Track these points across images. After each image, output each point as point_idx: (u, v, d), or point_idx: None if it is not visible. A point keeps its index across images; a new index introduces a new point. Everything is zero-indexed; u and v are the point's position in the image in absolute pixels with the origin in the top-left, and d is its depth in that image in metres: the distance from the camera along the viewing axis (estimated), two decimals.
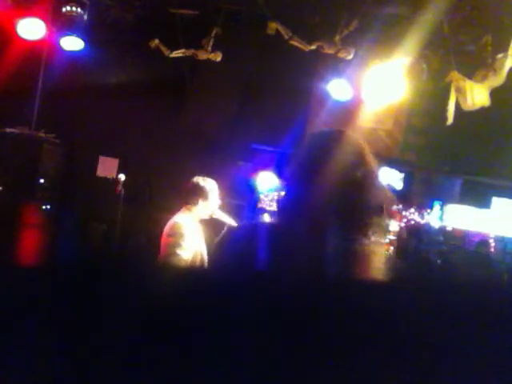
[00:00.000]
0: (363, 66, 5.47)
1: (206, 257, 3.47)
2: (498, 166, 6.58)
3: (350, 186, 1.38)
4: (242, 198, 6.59)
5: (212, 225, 3.69)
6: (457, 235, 7.36)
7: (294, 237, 1.51)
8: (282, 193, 1.69)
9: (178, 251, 3.24)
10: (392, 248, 6.93)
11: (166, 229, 3.41)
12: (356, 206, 1.36)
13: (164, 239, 3.38)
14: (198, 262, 3.35)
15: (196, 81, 6.87)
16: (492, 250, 7.17)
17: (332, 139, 1.48)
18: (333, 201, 1.39)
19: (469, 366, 0.80)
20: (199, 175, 3.62)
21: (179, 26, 5.66)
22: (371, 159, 1.42)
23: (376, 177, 1.42)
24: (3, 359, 0.74)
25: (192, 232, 3.39)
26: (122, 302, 0.78)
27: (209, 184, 3.56)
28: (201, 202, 3.51)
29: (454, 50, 5.12)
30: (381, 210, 1.38)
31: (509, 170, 6.45)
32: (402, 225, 7.15)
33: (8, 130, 5.68)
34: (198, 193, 3.51)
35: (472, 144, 6.56)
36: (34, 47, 5.51)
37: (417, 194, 7.62)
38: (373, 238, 1.33)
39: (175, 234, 3.30)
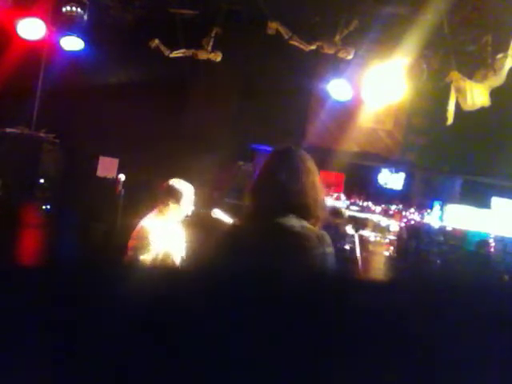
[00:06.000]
0: (363, 65, 5.47)
1: (179, 259, 3.43)
2: (498, 166, 6.57)
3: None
4: (242, 198, 6.57)
5: (211, 224, 3.68)
6: (457, 235, 7.35)
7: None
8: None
9: (140, 256, 3.23)
10: (392, 248, 6.93)
11: (133, 232, 3.40)
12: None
13: (129, 242, 3.36)
14: (168, 265, 3.31)
15: (196, 81, 6.87)
16: (492, 249, 7.16)
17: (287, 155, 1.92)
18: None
19: (469, 366, 0.80)
20: (177, 177, 3.56)
21: (179, 26, 5.66)
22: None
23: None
24: (3, 359, 0.73)
25: (160, 235, 3.35)
26: (121, 302, 0.78)
27: (183, 187, 3.51)
28: (172, 205, 3.46)
29: (454, 50, 5.12)
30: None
31: (509, 169, 6.45)
32: (402, 225, 7.15)
33: (8, 129, 5.67)
34: (171, 195, 3.46)
35: (472, 144, 6.55)
36: (34, 47, 5.51)
37: (417, 193, 7.61)
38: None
39: (139, 238, 3.30)
